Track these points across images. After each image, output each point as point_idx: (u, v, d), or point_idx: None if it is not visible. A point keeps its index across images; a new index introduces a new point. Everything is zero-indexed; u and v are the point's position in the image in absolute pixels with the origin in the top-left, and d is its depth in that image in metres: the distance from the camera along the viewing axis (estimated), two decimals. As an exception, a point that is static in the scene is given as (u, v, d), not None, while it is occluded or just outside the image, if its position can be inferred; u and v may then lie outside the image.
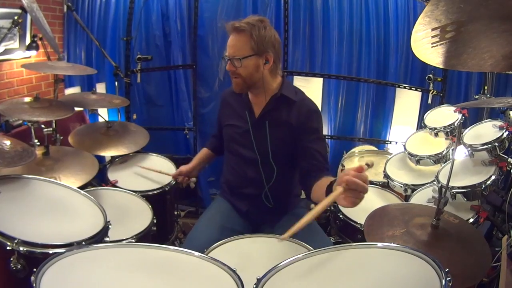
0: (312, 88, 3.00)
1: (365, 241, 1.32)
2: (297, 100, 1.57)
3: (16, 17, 2.12)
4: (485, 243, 1.33)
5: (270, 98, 1.57)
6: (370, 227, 1.39)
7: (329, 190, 1.21)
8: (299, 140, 1.54)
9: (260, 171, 1.59)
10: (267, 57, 1.49)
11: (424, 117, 2.36)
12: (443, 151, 2.12)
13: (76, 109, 2.16)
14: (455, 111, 2.17)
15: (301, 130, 1.53)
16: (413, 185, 2.07)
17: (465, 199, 1.72)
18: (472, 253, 1.27)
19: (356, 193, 1.00)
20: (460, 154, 1.96)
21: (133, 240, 1.60)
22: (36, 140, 1.97)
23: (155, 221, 1.76)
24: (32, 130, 1.97)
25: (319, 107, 2.86)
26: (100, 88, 3.13)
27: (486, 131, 1.89)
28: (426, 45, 0.93)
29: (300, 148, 1.54)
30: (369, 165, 1.13)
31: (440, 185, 1.34)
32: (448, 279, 0.84)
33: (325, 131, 3.09)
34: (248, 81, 1.51)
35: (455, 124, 2.12)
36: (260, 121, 1.59)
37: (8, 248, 1.07)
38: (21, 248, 1.09)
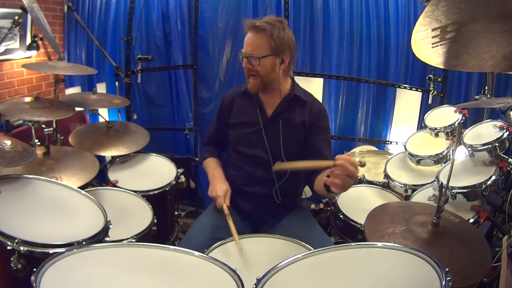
0: (312, 88, 2.99)
1: (366, 239, 1.33)
2: (308, 101, 1.64)
3: (16, 17, 2.12)
4: (485, 242, 1.33)
5: (283, 99, 1.61)
6: (371, 225, 1.39)
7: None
8: (308, 139, 1.61)
9: (270, 170, 1.58)
10: (283, 57, 1.54)
11: (425, 118, 2.36)
12: (443, 151, 2.12)
13: (77, 109, 2.16)
14: (455, 112, 2.17)
15: (312, 129, 1.60)
16: (413, 185, 2.07)
17: (466, 199, 1.72)
18: (472, 252, 1.27)
19: (344, 177, 1.12)
20: (461, 154, 1.96)
21: (134, 240, 1.60)
22: (36, 140, 1.97)
23: (155, 221, 1.76)
24: (33, 130, 1.97)
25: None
26: (101, 88, 3.13)
27: (487, 131, 1.88)
28: (426, 45, 0.93)
29: (309, 147, 1.61)
30: (362, 163, 1.18)
31: (440, 183, 1.34)
32: (448, 278, 0.84)
33: (326, 131, 3.09)
34: (264, 80, 1.55)
35: (456, 125, 2.12)
36: (272, 121, 1.61)
37: (8, 247, 1.08)
38: (21, 248, 1.09)
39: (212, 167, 1.74)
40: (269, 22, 1.49)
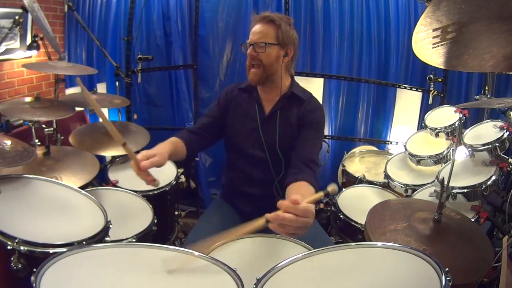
0: (312, 88, 2.98)
1: (367, 236, 1.33)
2: (305, 99, 1.62)
3: (17, 17, 2.12)
4: (487, 239, 1.33)
5: (281, 96, 1.61)
6: (372, 221, 1.39)
7: None
8: (299, 134, 1.57)
9: (268, 169, 1.59)
10: (287, 50, 1.55)
11: (425, 118, 2.36)
12: (443, 152, 2.12)
13: (77, 109, 2.17)
14: (455, 112, 2.17)
15: (304, 127, 1.58)
16: (413, 185, 2.07)
17: (466, 200, 1.71)
18: (474, 248, 1.27)
19: (288, 227, 0.95)
20: (461, 154, 1.95)
21: (134, 240, 1.60)
22: (36, 140, 1.98)
23: (155, 221, 1.76)
24: (33, 130, 1.97)
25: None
26: (101, 88, 3.14)
27: (487, 131, 1.88)
28: (427, 45, 0.93)
29: (298, 143, 1.56)
30: (328, 194, 1.04)
31: (442, 178, 1.34)
32: (448, 278, 0.84)
33: (326, 131, 3.09)
34: (267, 71, 1.54)
35: (456, 125, 2.12)
36: (270, 118, 1.61)
37: (8, 247, 1.08)
38: (21, 248, 1.09)
39: (167, 141, 1.50)
40: (278, 16, 1.53)
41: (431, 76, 2.77)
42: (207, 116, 1.72)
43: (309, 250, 1.32)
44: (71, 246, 1.12)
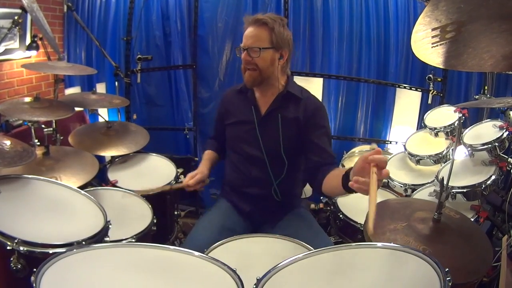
0: (312, 88, 2.97)
1: (366, 237, 1.32)
2: (303, 98, 1.61)
3: (16, 17, 2.12)
4: (486, 238, 1.33)
5: (276, 96, 1.60)
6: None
7: (345, 179, 1.21)
8: (306, 136, 1.57)
9: (266, 169, 1.59)
10: (282, 53, 1.54)
11: (424, 117, 2.36)
12: (443, 151, 2.12)
13: (76, 109, 2.16)
14: (455, 111, 2.17)
15: (309, 126, 1.57)
16: (413, 185, 2.07)
17: (465, 199, 1.72)
18: (474, 248, 1.27)
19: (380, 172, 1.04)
20: (460, 154, 1.96)
21: (133, 240, 1.60)
22: (36, 140, 1.97)
23: (155, 221, 1.76)
24: (32, 130, 1.97)
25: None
26: (100, 88, 3.13)
27: (486, 131, 1.89)
28: (426, 45, 0.93)
29: (308, 144, 1.57)
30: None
31: (441, 178, 1.34)
32: (448, 278, 0.84)
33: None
34: (263, 74, 1.54)
35: (455, 124, 2.12)
36: (266, 118, 1.60)
37: (8, 248, 1.08)
38: (21, 248, 1.09)
39: (203, 158, 1.84)
40: (271, 17, 1.51)
41: (431, 75, 2.77)
42: (215, 129, 1.88)
43: (309, 250, 1.32)
44: (71, 246, 1.12)
